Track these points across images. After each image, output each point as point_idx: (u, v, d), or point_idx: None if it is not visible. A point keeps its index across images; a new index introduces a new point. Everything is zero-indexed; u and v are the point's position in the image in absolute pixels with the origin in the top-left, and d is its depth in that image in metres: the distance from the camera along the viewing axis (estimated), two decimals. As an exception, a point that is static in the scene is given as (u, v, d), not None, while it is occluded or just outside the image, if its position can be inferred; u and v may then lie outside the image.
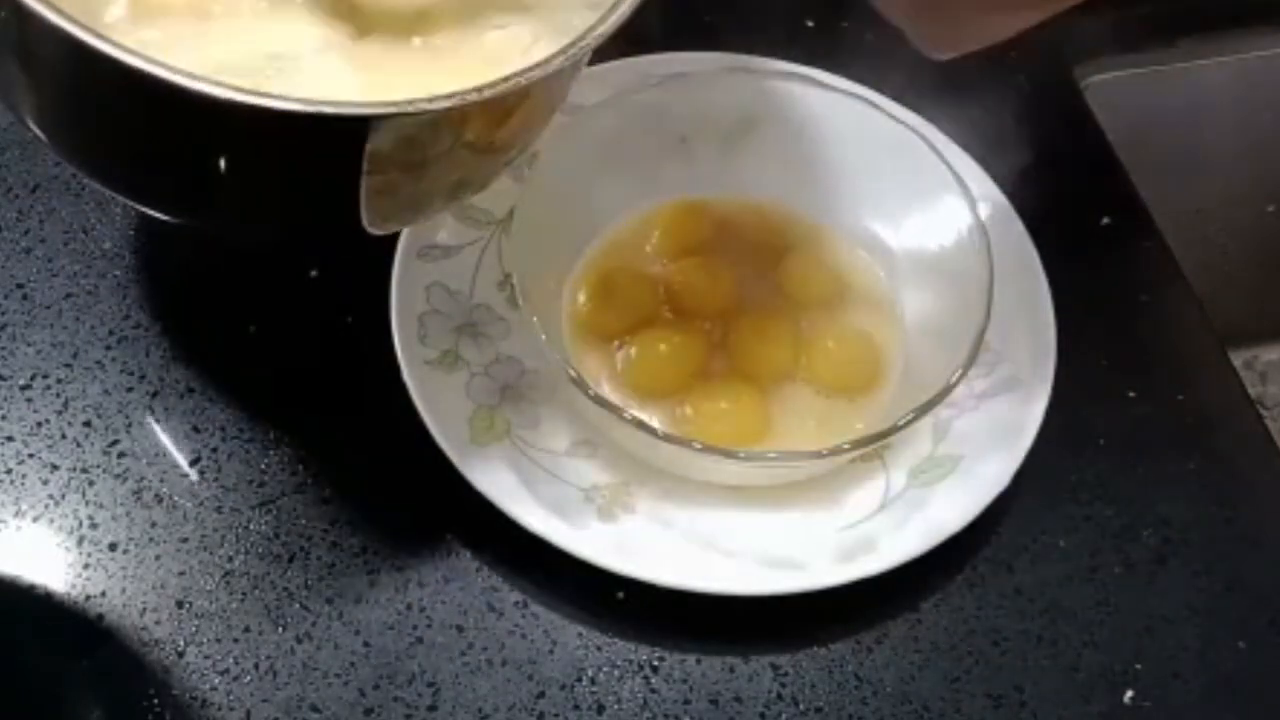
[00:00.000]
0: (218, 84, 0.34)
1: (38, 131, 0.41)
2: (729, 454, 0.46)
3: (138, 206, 0.50)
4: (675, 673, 0.47)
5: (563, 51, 0.38)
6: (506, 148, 0.43)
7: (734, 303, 0.52)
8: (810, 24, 0.64)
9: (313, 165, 0.39)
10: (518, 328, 0.51)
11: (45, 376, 0.51)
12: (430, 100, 0.36)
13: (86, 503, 0.48)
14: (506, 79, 0.37)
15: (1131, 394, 0.55)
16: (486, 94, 0.37)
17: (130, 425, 0.50)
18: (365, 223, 0.40)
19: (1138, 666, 0.48)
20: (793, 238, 0.54)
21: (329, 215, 0.42)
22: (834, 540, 0.48)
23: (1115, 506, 0.52)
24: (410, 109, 0.36)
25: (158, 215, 0.46)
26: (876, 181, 0.54)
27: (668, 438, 0.46)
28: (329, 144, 0.37)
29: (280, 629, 0.46)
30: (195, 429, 0.50)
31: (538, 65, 0.38)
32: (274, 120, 0.35)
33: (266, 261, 0.54)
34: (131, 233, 0.54)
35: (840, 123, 0.53)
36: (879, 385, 0.51)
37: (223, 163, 0.39)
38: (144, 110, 0.37)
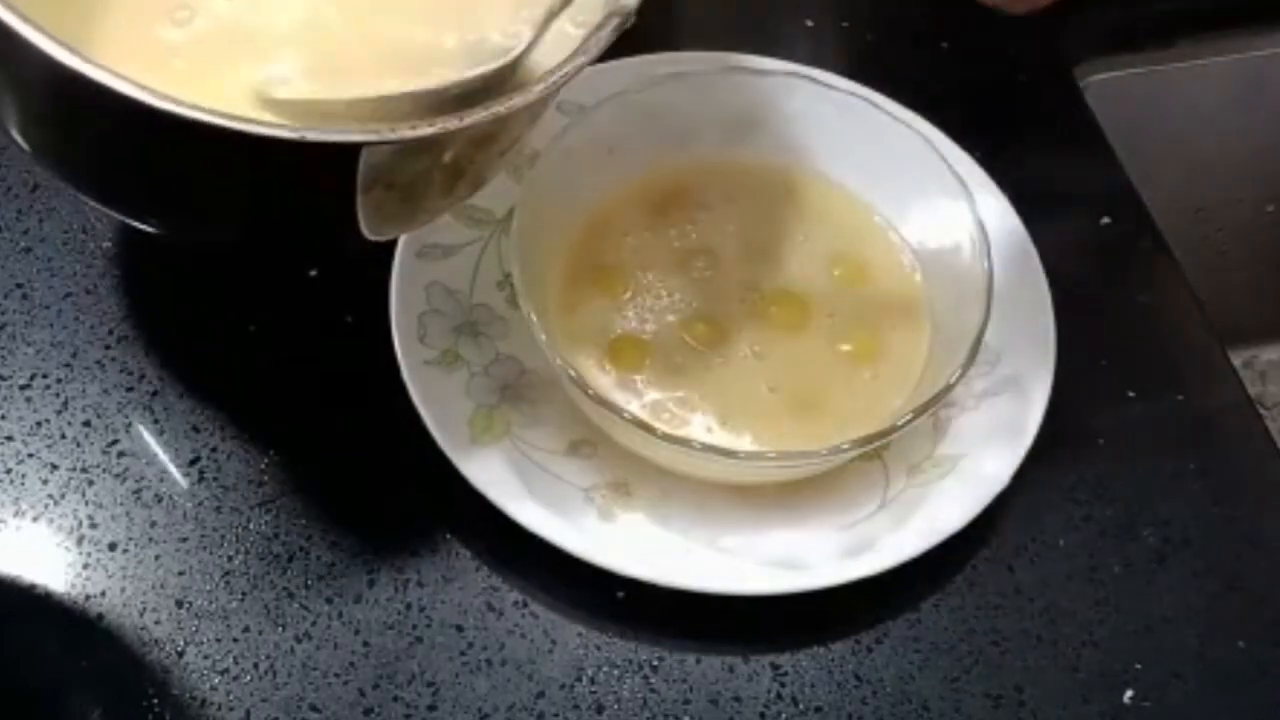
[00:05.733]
0: (205, 110, 0.35)
1: (48, 167, 0.43)
2: (728, 453, 0.46)
3: (126, 220, 0.50)
4: (675, 672, 0.47)
5: (542, 80, 0.40)
6: (490, 159, 0.44)
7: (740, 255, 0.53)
8: (810, 24, 0.64)
9: (300, 185, 0.40)
10: (517, 327, 0.51)
11: (45, 376, 0.51)
12: (412, 127, 0.37)
13: (86, 502, 0.48)
14: (485, 107, 0.39)
15: (1131, 394, 0.55)
16: (466, 120, 0.38)
17: (130, 425, 0.50)
18: (365, 233, 0.41)
19: (1138, 666, 0.48)
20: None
21: (328, 229, 0.43)
22: (834, 540, 0.48)
23: (1115, 506, 0.52)
24: (392, 136, 0.37)
25: (150, 230, 0.46)
26: (876, 181, 0.54)
27: (668, 438, 0.46)
28: (315, 168, 0.39)
29: (280, 629, 0.46)
30: (195, 429, 0.50)
31: (518, 95, 0.39)
32: (262, 145, 0.36)
33: (266, 261, 0.54)
34: (131, 233, 0.54)
35: (840, 123, 0.53)
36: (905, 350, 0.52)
37: (222, 184, 0.41)
38: (129, 132, 0.38)
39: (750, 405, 0.50)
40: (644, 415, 0.48)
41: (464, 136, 0.39)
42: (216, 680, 0.45)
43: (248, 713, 0.45)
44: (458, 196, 0.44)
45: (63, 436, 0.49)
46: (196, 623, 0.46)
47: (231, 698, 0.45)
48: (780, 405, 0.50)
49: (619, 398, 0.49)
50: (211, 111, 0.35)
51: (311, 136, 0.36)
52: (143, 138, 0.38)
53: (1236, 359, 0.71)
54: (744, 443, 0.49)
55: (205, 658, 0.46)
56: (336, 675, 0.46)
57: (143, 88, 0.35)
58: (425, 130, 0.37)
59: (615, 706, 0.46)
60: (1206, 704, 0.48)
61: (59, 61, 0.35)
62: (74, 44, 0.35)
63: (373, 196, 0.39)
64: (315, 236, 0.47)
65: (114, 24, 0.42)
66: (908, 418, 0.47)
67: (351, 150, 0.37)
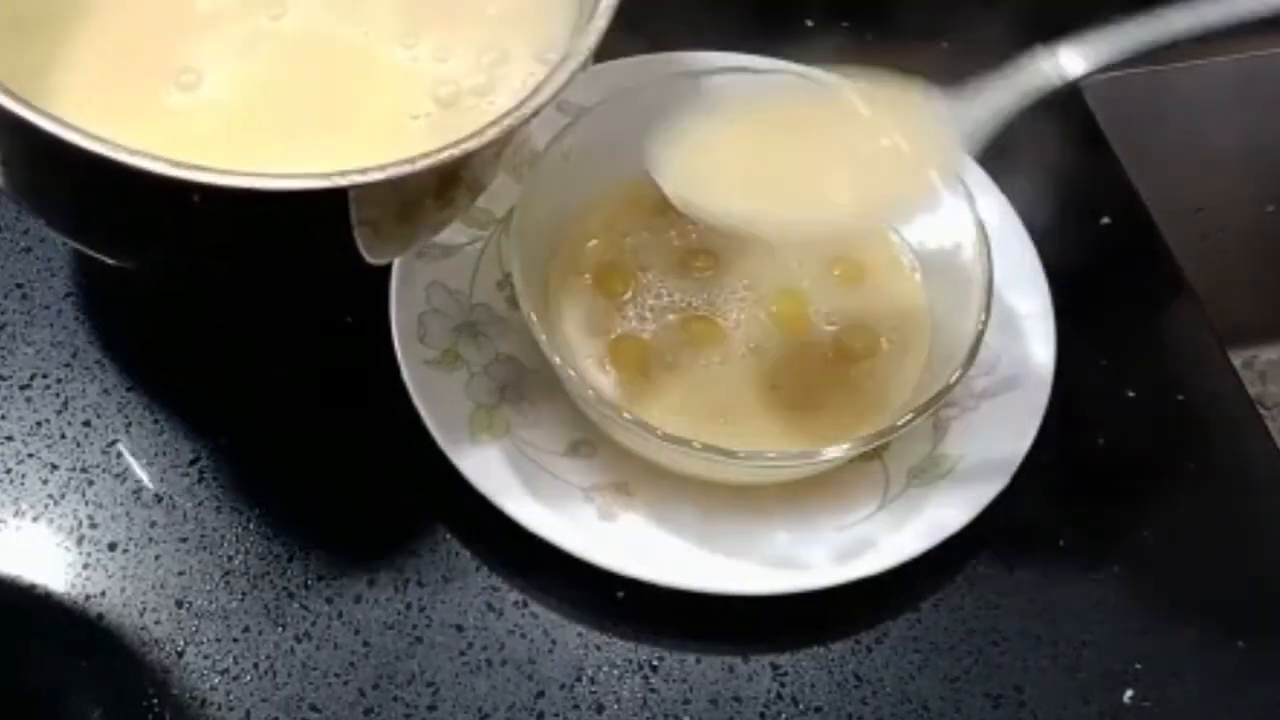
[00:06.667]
0: (184, 165, 0.35)
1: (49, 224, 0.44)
2: (729, 454, 0.46)
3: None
4: (675, 672, 0.47)
5: (497, 123, 0.40)
6: (486, 166, 0.44)
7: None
8: (810, 24, 0.64)
9: (284, 229, 0.40)
10: (517, 327, 0.51)
11: (45, 376, 0.51)
12: (380, 168, 0.37)
13: (86, 502, 0.48)
14: (456, 143, 0.38)
15: (1131, 394, 0.55)
16: (433, 159, 0.38)
17: (130, 425, 0.50)
18: (367, 259, 0.42)
19: (1138, 666, 0.48)
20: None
21: (326, 264, 0.44)
22: (834, 540, 0.48)
23: (1115, 507, 0.52)
24: (358, 180, 0.37)
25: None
26: (876, 181, 0.54)
27: (668, 438, 0.46)
28: (303, 214, 0.39)
29: (280, 628, 0.46)
30: (195, 429, 0.50)
31: (493, 124, 0.39)
32: (222, 195, 0.36)
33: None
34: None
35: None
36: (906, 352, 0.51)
37: (201, 233, 0.40)
38: (91, 186, 0.39)
39: (750, 405, 0.50)
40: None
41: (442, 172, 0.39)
42: (216, 680, 0.45)
43: (248, 713, 0.45)
44: (459, 208, 0.44)
45: (63, 436, 0.49)
46: (196, 623, 0.46)
47: (231, 698, 0.45)
48: (780, 405, 0.50)
49: (619, 398, 0.49)
50: (161, 160, 0.35)
51: (274, 185, 0.36)
52: (106, 190, 0.38)
53: (1236, 359, 0.71)
54: (744, 443, 0.49)
55: (205, 658, 0.46)
56: (336, 675, 0.46)
57: (93, 138, 0.35)
58: (375, 176, 0.37)
59: (615, 706, 0.46)
60: (1206, 704, 0.48)
61: (15, 114, 0.35)
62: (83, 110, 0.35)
63: (366, 229, 0.39)
64: (314, 273, 0.47)
65: (121, 90, 0.42)
66: (908, 418, 0.47)
67: (333, 193, 0.37)
